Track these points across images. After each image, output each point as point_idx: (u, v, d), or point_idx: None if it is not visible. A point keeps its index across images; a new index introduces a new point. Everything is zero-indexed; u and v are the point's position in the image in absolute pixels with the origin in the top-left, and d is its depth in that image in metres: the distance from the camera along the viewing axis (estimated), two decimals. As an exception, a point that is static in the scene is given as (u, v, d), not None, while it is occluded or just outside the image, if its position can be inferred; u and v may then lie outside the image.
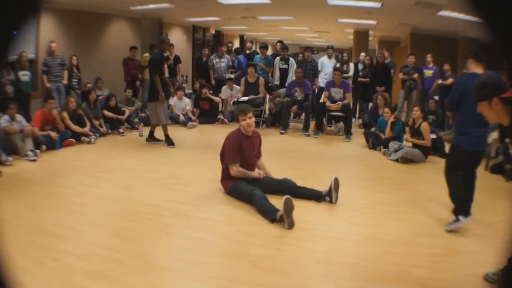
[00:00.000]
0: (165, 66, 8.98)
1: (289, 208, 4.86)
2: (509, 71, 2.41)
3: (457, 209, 4.99)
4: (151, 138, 9.28)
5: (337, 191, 5.69)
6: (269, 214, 5.08)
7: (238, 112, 6.11)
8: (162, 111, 8.98)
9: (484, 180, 7.18)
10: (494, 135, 8.04)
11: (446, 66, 12.11)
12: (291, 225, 4.83)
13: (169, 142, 8.99)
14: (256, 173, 5.94)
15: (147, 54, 13.52)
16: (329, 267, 3.93)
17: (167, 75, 8.94)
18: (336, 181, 5.69)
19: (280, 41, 13.23)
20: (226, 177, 5.95)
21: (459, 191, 5.04)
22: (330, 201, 5.68)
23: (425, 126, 8.20)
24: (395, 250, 4.34)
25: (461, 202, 5.01)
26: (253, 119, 5.98)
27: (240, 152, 5.86)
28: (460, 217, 4.88)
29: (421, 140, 8.22)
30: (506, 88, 3.12)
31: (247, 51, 13.79)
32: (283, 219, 4.85)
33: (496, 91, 3.09)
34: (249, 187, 5.63)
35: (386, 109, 9.36)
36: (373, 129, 9.85)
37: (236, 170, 5.79)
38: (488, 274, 3.64)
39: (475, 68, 4.95)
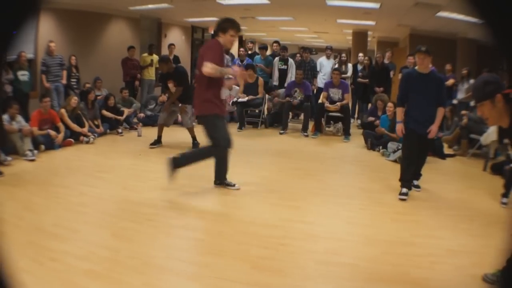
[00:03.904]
0: (170, 84, 8.86)
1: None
2: (509, 71, 2.42)
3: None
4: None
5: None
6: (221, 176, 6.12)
7: (232, 25, 5.68)
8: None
9: (483, 181, 7.24)
10: (492, 137, 8.05)
11: (448, 67, 12.13)
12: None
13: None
14: (230, 69, 5.77)
15: (145, 54, 13.52)
16: (328, 267, 3.93)
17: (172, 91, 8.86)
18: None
19: (276, 42, 13.24)
20: (205, 100, 5.74)
21: None
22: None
23: None
24: (394, 250, 4.35)
25: None
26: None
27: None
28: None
29: None
30: (504, 87, 3.13)
31: (248, 52, 13.76)
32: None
33: (498, 88, 3.10)
34: (227, 135, 5.87)
35: (390, 104, 9.31)
36: (377, 122, 9.74)
37: (211, 67, 5.40)
38: (487, 274, 3.64)
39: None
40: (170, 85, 8.78)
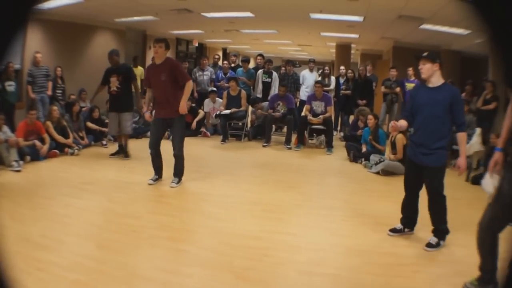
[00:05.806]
0: (113, 79, 8.94)
1: None
2: (508, 80, 2.46)
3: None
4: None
5: None
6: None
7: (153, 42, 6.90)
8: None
9: (465, 192, 7.34)
10: (475, 147, 8.17)
11: None
12: None
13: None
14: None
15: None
16: (310, 278, 4.00)
17: (114, 88, 8.94)
18: None
19: (260, 55, 13.35)
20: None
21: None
22: None
23: (399, 138, 8.17)
24: (376, 260, 4.42)
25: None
26: (161, 50, 6.66)
27: (149, 79, 6.92)
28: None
29: (393, 153, 8.32)
30: None
31: (232, 65, 13.83)
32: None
33: None
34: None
35: (370, 116, 9.37)
36: (359, 132, 9.92)
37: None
38: (466, 283, 3.71)
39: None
40: (113, 79, 8.89)
